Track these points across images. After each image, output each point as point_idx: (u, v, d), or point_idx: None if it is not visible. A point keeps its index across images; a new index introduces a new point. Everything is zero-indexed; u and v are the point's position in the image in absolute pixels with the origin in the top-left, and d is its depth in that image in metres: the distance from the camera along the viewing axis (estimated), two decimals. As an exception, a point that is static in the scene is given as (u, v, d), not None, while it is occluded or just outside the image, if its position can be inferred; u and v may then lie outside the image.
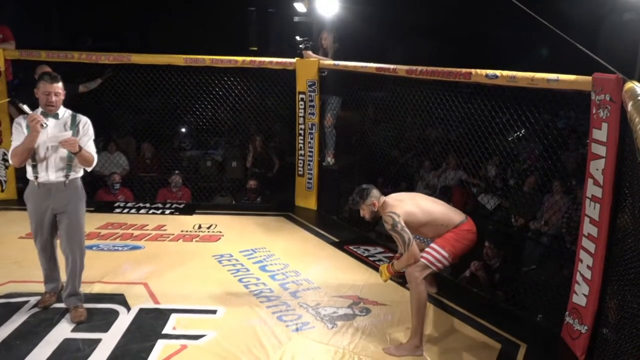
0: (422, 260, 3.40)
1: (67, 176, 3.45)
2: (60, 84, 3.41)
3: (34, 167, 3.41)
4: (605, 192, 3.15)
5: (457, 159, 6.18)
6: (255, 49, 12.20)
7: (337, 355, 3.27)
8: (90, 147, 3.50)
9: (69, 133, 3.39)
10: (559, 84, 3.51)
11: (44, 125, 3.30)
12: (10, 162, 3.43)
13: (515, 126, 4.57)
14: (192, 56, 6.12)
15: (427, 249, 3.46)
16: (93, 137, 3.56)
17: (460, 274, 4.87)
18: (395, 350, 3.35)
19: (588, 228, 3.30)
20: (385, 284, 4.28)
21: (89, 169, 3.58)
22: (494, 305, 4.20)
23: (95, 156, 3.54)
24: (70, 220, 3.49)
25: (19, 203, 6.01)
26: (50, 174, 3.41)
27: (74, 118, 3.49)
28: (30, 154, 3.34)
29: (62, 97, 3.44)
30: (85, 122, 3.52)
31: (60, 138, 3.33)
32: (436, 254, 3.42)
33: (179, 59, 6.14)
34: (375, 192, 3.56)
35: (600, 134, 3.16)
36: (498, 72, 3.92)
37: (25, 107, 3.40)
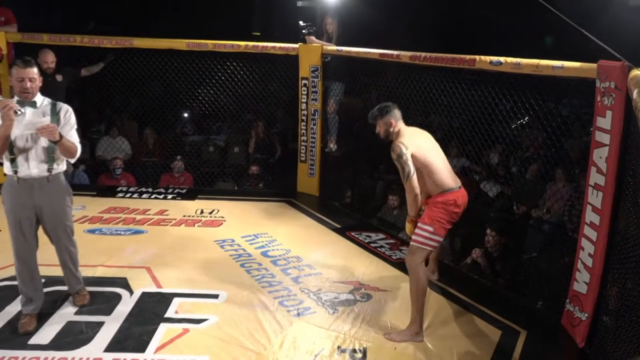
0: (413, 243, 3.41)
1: (50, 170, 3.20)
2: (35, 69, 3.13)
3: (12, 160, 3.12)
4: (608, 180, 3.14)
5: (459, 146, 6.16)
6: (258, 34, 12.13)
7: (338, 340, 3.29)
8: (73, 137, 3.23)
9: (47, 119, 3.13)
10: (563, 71, 3.48)
11: (19, 113, 2.99)
12: None
13: (518, 113, 4.55)
14: (194, 40, 6.09)
15: (415, 231, 3.43)
16: (75, 126, 3.28)
17: (462, 260, 4.89)
18: (396, 336, 3.37)
19: (590, 216, 3.30)
20: (387, 270, 4.32)
21: (72, 161, 3.38)
22: (495, 292, 4.22)
23: (79, 146, 3.28)
24: (57, 216, 3.29)
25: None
26: (31, 168, 3.14)
27: (54, 106, 3.22)
28: (7, 145, 3.05)
29: (38, 84, 3.16)
30: (66, 110, 3.25)
31: (37, 125, 3.06)
32: (424, 232, 3.38)
33: (181, 44, 6.11)
34: (396, 112, 3.54)
35: (604, 121, 3.15)
36: (502, 59, 3.89)
37: (1, 97, 3.19)
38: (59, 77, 5.69)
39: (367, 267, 4.37)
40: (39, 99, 3.21)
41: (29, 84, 3.10)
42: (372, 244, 4.86)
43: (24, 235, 3.23)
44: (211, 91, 6.69)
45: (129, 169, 6.87)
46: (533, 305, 4.13)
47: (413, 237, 3.43)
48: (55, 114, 3.20)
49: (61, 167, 3.29)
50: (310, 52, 6.01)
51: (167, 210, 5.57)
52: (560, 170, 5.25)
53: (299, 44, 6.07)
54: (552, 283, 4.14)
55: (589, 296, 3.31)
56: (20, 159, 3.13)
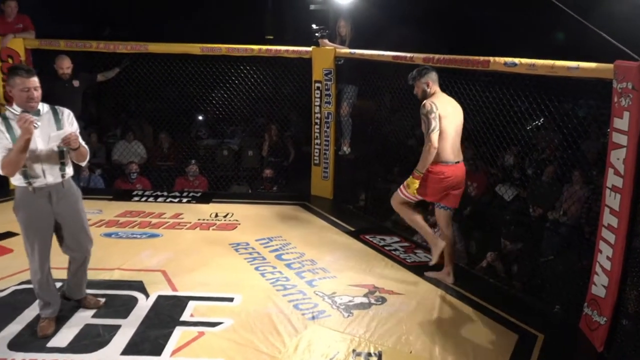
0: (398, 192, 4.08)
1: (63, 176, 3.19)
2: (36, 78, 3.04)
3: (25, 172, 3.06)
4: (626, 182, 3.10)
5: (474, 148, 6.12)
6: (271, 37, 12.17)
7: (353, 344, 3.28)
8: (81, 140, 3.19)
9: (69, 129, 3.11)
10: (579, 72, 3.45)
11: (37, 126, 2.94)
12: (1, 173, 3.01)
13: (534, 115, 4.50)
14: (208, 45, 6.14)
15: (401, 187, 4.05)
16: (78, 129, 3.26)
17: (477, 264, 4.85)
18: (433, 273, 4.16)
19: (608, 218, 3.25)
20: (402, 273, 4.30)
21: (83, 164, 3.35)
22: (512, 295, 4.18)
23: (87, 148, 3.26)
24: (77, 221, 3.30)
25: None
26: (47, 176, 3.11)
27: (55, 112, 3.17)
28: (25, 159, 2.99)
29: (40, 92, 3.07)
30: (68, 114, 3.22)
31: (51, 134, 3.06)
32: (404, 190, 4.03)
33: (195, 48, 6.16)
34: (433, 75, 3.98)
35: (621, 122, 3.11)
36: (517, 60, 3.86)
37: (10, 107, 3.06)
38: (75, 83, 5.77)
39: (381, 270, 4.36)
40: (40, 106, 3.13)
41: (35, 93, 3.04)
42: (386, 247, 4.85)
43: (46, 246, 3.22)
44: (225, 95, 6.73)
45: (144, 173, 6.94)
46: (550, 309, 4.08)
47: (398, 191, 4.05)
48: (58, 119, 3.17)
49: (71, 171, 3.27)
50: (324, 55, 6.02)
51: (182, 214, 5.61)
52: (577, 172, 5.19)
53: (312, 47, 6.08)
54: (569, 286, 4.09)
55: (607, 300, 3.27)
56: (34, 169, 3.09)
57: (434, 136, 3.81)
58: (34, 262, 3.24)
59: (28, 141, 2.93)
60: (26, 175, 3.09)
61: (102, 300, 3.63)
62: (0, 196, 5.89)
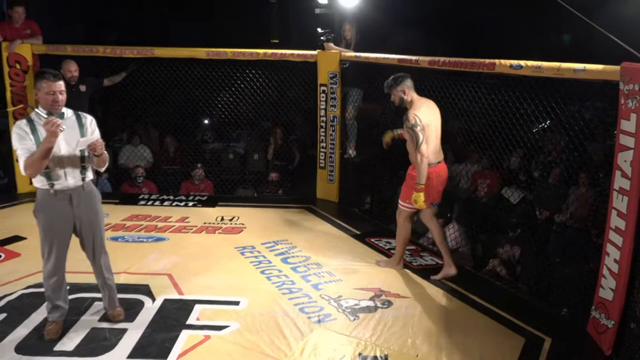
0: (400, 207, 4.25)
1: (84, 179, 3.25)
2: (62, 82, 3.16)
3: (47, 174, 3.13)
4: (633, 185, 3.08)
5: (480, 151, 6.11)
6: (277, 41, 12.20)
7: (359, 347, 3.28)
8: None
9: (95, 136, 3.20)
10: (585, 73, 3.43)
11: (63, 129, 3.02)
12: (24, 173, 3.10)
13: (540, 117, 4.49)
14: (214, 49, 6.15)
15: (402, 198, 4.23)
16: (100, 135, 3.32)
17: (483, 267, 4.84)
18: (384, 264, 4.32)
19: (615, 221, 3.24)
20: (408, 277, 4.29)
21: (102, 169, 3.39)
22: (518, 298, 4.16)
23: (108, 155, 3.33)
24: (96, 224, 3.34)
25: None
26: (68, 179, 3.17)
27: (78, 117, 3.26)
28: (48, 161, 3.07)
29: (65, 96, 3.18)
30: (91, 120, 3.30)
31: (73, 138, 3.14)
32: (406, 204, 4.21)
33: (201, 52, 6.18)
34: (408, 82, 4.08)
35: (628, 124, 3.09)
36: (523, 63, 3.85)
37: (41, 111, 3.13)
38: (82, 87, 5.81)
39: (387, 274, 4.35)
40: (63, 110, 3.23)
41: (60, 97, 3.13)
42: (392, 250, 4.83)
43: (63, 248, 3.26)
44: (231, 99, 6.75)
45: (150, 177, 6.96)
46: (558, 312, 4.06)
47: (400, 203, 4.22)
48: (82, 124, 3.25)
49: (91, 174, 3.33)
50: (329, 59, 6.03)
51: (188, 218, 5.62)
52: (584, 175, 5.17)
53: (318, 50, 6.09)
54: (576, 289, 4.07)
55: (615, 303, 3.25)
56: (55, 172, 3.14)
57: (424, 148, 3.94)
58: (49, 264, 3.26)
59: (52, 143, 3.01)
60: (49, 177, 3.14)
61: (123, 313, 3.55)
62: (6, 201, 5.93)
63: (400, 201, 4.29)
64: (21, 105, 5.76)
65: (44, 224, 3.21)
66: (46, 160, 3.05)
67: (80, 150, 3.18)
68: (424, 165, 3.96)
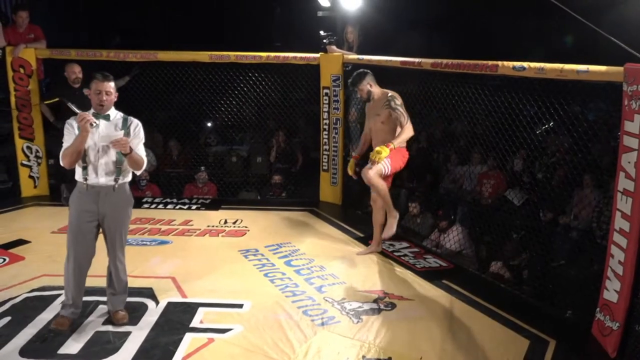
0: (381, 167, 4.30)
1: (116, 180, 3.33)
2: (112, 83, 3.31)
3: (84, 169, 3.28)
4: (637, 186, 3.07)
5: (483, 153, 6.10)
6: (279, 44, 12.23)
7: (363, 350, 3.27)
8: (140, 150, 3.38)
9: (121, 134, 3.30)
10: (588, 75, 3.43)
11: (94, 125, 3.19)
12: (61, 163, 3.29)
13: (543, 119, 4.49)
14: (217, 52, 6.17)
15: (383, 165, 4.31)
16: (144, 140, 3.44)
17: (487, 269, 4.82)
18: (388, 232, 4.46)
19: (620, 222, 3.23)
20: (412, 279, 4.28)
21: (138, 173, 3.49)
22: (522, 300, 4.15)
23: (145, 159, 3.43)
24: (117, 226, 3.39)
25: (51, 199, 6.18)
26: (100, 177, 3.28)
27: (125, 120, 3.37)
28: (81, 155, 3.23)
29: (113, 97, 3.32)
30: (136, 125, 3.40)
31: (111, 138, 3.24)
32: (386, 167, 4.36)
33: (204, 56, 6.20)
34: (371, 76, 4.46)
35: (632, 126, 3.08)
36: (525, 64, 3.85)
37: (74, 107, 3.29)
38: (86, 91, 5.82)
39: (391, 276, 4.34)
40: (113, 112, 3.35)
41: (105, 97, 3.26)
42: (395, 253, 4.83)
43: (86, 240, 3.33)
44: (234, 102, 6.77)
45: (154, 180, 6.97)
46: (562, 314, 4.04)
47: (380, 166, 4.28)
48: (126, 127, 3.35)
49: (127, 178, 3.41)
50: (332, 62, 6.03)
51: (191, 221, 5.63)
52: (588, 176, 5.15)
53: (320, 53, 6.10)
54: (581, 291, 4.05)
55: (620, 305, 3.23)
56: (90, 168, 3.27)
57: (411, 125, 4.31)
58: (70, 257, 3.34)
59: (85, 138, 3.17)
60: (84, 171, 3.29)
61: (127, 316, 3.54)
62: (11, 205, 5.95)
63: (375, 163, 4.29)
64: (57, 99, 5.82)
65: (72, 215, 3.35)
66: (77, 153, 3.21)
67: (117, 151, 3.27)
68: (407, 135, 4.29)
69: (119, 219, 3.41)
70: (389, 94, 4.37)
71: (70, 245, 3.35)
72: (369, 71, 4.48)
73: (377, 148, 4.25)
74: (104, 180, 3.30)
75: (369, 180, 4.35)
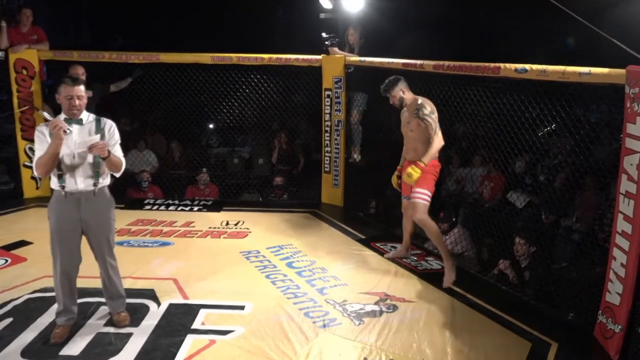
0: (419, 201, 4.14)
1: (95, 184, 3.26)
2: (82, 87, 3.19)
3: (60, 176, 3.19)
4: (639, 188, 3.07)
5: (485, 155, 6.10)
6: (281, 46, 12.24)
7: (364, 352, 3.27)
8: (117, 152, 3.32)
9: (97, 137, 3.21)
10: (591, 77, 3.43)
11: (68, 132, 3.07)
12: (35, 173, 3.19)
13: (545, 121, 4.48)
14: (219, 54, 6.18)
15: (418, 194, 4.14)
16: (119, 141, 3.36)
17: (489, 271, 4.81)
18: (448, 279, 4.10)
19: (622, 225, 3.22)
20: (412, 282, 4.27)
21: (117, 175, 3.39)
22: (524, 303, 4.14)
23: (124, 160, 3.36)
24: (102, 230, 3.33)
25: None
26: (78, 182, 3.20)
27: (98, 122, 3.27)
28: (56, 162, 3.12)
29: (85, 101, 3.22)
30: (110, 126, 3.31)
31: (88, 143, 3.15)
32: (425, 195, 4.16)
33: (206, 58, 6.21)
34: (404, 82, 4.24)
35: (634, 128, 3.08)
36: (527, 66, 3.85)
37: (46, 114, 3.16)
38: (89, 93, 5.83)
39: (392, 278, 4.34)
40: (84, 115, 3.25)
41: (77, 102, 3.15)
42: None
43: (70, 248, 3.27)
44: (235, 104, 6.77)
45: (155, 182, 6.98)
46: (564, 317, 4.03)
47: (419, 196, 4.13)
48: (100, 129, 3.27)
49: (106, 181, 3.35)
50: (333, 63, 6.04)
51: (193, 222, 5.63)
52: (590, 178, 5.14)
53: (322, 55, 6.11)
54: (583, 294, 4.04)
55: (622, 307, 3.23)
56: (67, 175, 3.19)
57: (440, 135, 4.12)
58: (57, 265, 3.29)
59: (58, 146, 3.07)
60: (60, 179, 3.20)
61: (128, 317, 3.53)
62: (12, 206, 5.96)
63: (417, 192, 4.15)
64: (27, 107, 5.80)
65: (52, 223, 3.27)
66: (52, 162, 3.10)
67: (93, 155, 3.19)
68: (436, 148, 4.10)
69: (104, 223, 3.34)
70: (419, 102, 4.17)
71: (55, 255, 3.28)
72: (401, 77, 4.29)
73: (408, 169, 4.11)
74: (83, 185, 3.22)
75: (419, 222, 4.23)
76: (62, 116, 3.19)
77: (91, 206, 3.27)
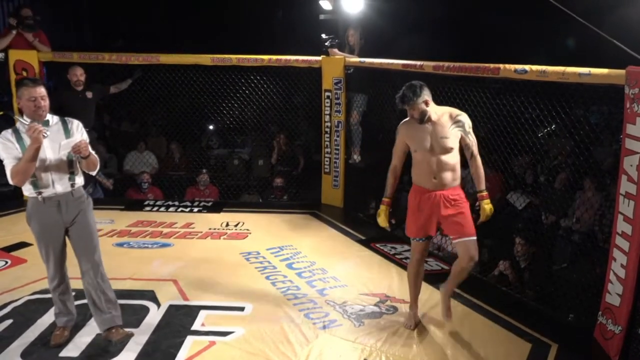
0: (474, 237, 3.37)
1: (73, 185, 3.17)
2: (43, 88, 3.05)
3: (35, 182, 3.07)
4: (639, 189, 3.07)
5: (485, 155, 6.09)
6: (281, 47, 12.25)
7: (364, 353, 3.27)
8: (91, 149, 3.17)
9: (74, 138, 3.11)
10: (591, 78, 3.43)
11: (46, 135, 2.96)
12: (12, 182, 3.03)
13: (545, 122, 4.48)
14: (219, 55, 6.18)
15: (467, 230, 3.36)
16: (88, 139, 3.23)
17: (489, 272, 4.81)
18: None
19: (622, 226, 3.22)
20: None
21: (93, 173, 3.32)
22: (524, 304, 4.13)
23: (98, 157, 3.25)
24: (85, 230, 3.23)
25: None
26: (56, 186, 3.10)
27: (64, 122, 3.17)
28: (34, 169, 3.00)
29: (48, 102, 3.08)
30: (78, 124, 3.21)
31: (62, 145, 3.07)
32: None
33: (206, 59, 6.21)
34: (428, 91, 3.30)
35: (634, 129, 3.08)
36: (527, 67, 3.85)
37: (21, 118, 3.07)
38: (88, 94, 5.85)
39: (392, 279, 4.34)
40: (49, 117, 3.14)
41: (42, 102, 3.04)
42: (397, 256, 4.82)
43: (59, 253, 3.23)
44: (235, 105, 6.78)
45: (155, 183, 6.98)
46: (564, 318, 4.03)
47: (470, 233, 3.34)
48: (67, 130, 3.17)
49: (81, 180, 3.25)
50: (333, 64, 6.04)
51: (193, 223, 5.63)
52: (589, 179, 5.14)
53: (322, 56, 6.11)
54: (583, 295, 4.04)
55: (622, 308, 3.22)
56: (43, 179, 3.08)
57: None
58: (49, 269, 3.26)
59: (37, 150, 2.96)
60: (36, 185, 3.09)
61: (131, 332, 3.35)
62: (13, 207, 5.96)
63: (466, 237, 3.36)
64: (1, 113, 5.78)
65: (36, 231, 3.19)
66: (32, 168, 2.99)
67: (67, 156, 3.12)
68: (482, 169, 3.43)
69: (87, 222, 3.24)
70: (455, 114, 3.37)
71: (48, 260, 3.22)
72: (424, 84, 3.34)
73: (488, 208, 3.44)
74: (61, 188, 3.13)
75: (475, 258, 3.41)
76: (26, 119, 3.06)
77: (71, 207, 3.18)
